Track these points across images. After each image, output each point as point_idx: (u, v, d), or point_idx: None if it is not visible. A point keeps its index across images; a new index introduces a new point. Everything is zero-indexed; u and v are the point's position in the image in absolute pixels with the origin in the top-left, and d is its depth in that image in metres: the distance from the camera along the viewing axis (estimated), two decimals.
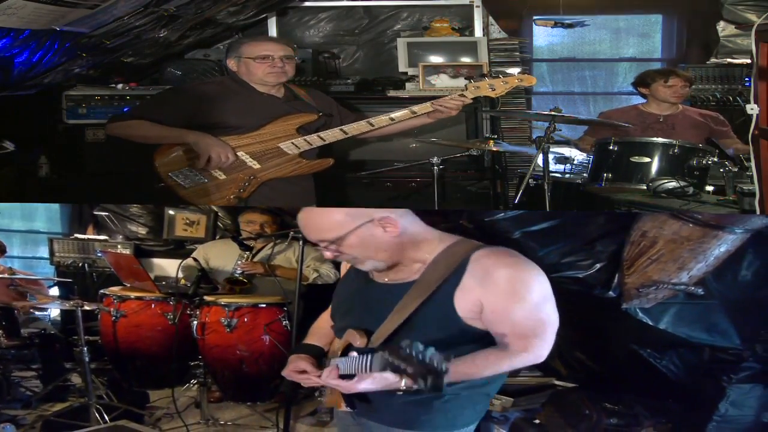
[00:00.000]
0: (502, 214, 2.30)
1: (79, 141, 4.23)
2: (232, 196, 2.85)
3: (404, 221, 1.68)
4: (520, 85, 2.96)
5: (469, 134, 4.33)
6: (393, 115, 2.88)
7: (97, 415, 3.23)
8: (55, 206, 5.18)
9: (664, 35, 4.84)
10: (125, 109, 4.02)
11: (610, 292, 2.46)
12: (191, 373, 3.54)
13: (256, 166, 2.84)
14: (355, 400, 1.71)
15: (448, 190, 4.20)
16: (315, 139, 2.86)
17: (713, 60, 4.44)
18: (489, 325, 1.62)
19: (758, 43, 2.47)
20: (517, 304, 1.59)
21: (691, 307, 2.55)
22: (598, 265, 2.41)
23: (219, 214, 4.70)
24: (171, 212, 4.64)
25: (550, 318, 1.64)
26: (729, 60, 4.37)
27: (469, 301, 1.61)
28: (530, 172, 3.21)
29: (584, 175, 3.46)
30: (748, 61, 4.04)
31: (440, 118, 2.94)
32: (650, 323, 2.54)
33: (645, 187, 3.03)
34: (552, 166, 3.45)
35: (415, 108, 2.88)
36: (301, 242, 3.19)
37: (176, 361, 3.48)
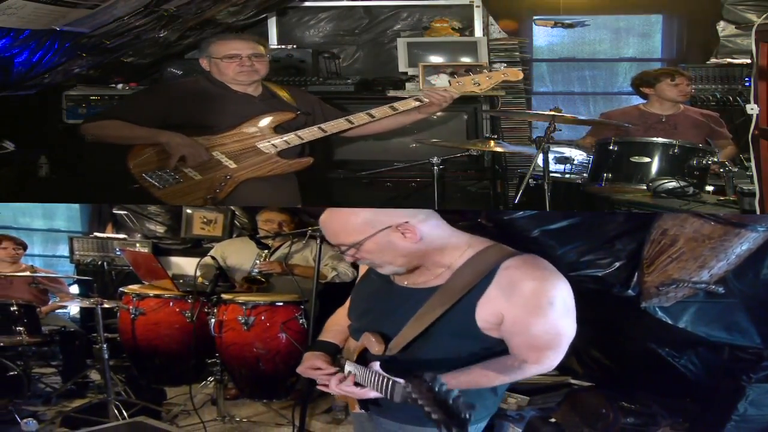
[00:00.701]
0: (521, 212, 2.29)
1: (79, 141, 4.22)
2: (208, 197, 2.83)
3: (425, 227, 1.64)
4: (506, 79, 2.93)
5: (469, 134, 4.33)
6: (372, 112, 2.86)
7: (115, 411, 3.27)
8: (75, 205, 5.23)
9: (664, 35, 4.83)
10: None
11: (629, 291, 2.44)
12: (208, 370, 3.58)
13: (233, 165, 2.81)
14: (368, 402, 1.72)
15: (448, 190, 4.19)
16: (293, 138, 2.83)
17: (713, 60, 4.43)
18: (506, 335, 1.61)
19: (758, 43, 2.47)
20: (539, 318, 1.57)
21: (711, 306, 2.53)
22: (617, 264, 2.40)
23: (236, 212, 4.72)
24: (189, 211, 4.67)
25: (567, 331, 1.62)
26: (729, 60, 4.36)
27: (490, 312, 1.59)
28: (530, 172, 3.20)
29: (584, 175, 3.46)
30: (748, 61, 4.04)
31: (429, 113, 2.92)
32: (669, 322, 2.53)
33: (645, 187, 3.02)
34: (552, 166, 3.44)
35: (396, 104, 2.87)
36: (318, 241, 3.18)
37: (194, 358, 3.50)
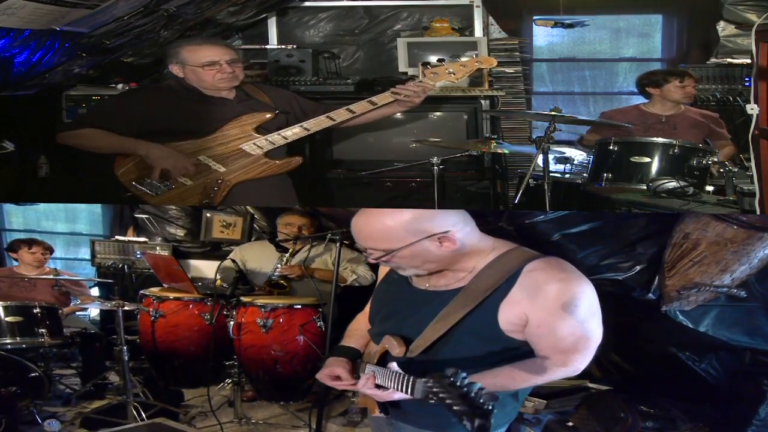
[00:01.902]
0: (542, 216, 2.26)
1: None
2: (204, 201, 2.78)
3: (462, 235, 1.60)
4: (480, 67, 2.89)
5: (469, 134, 4.33)
6: (352, 107, 2.83)
7: (134, 412, 3.29)
8: (98, 209, 5.30)
9: (664, 35, 4.83)
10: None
11: (650, 295, 2.42)
12: (226, 372, 3.59)
13: (222, 169, 2.77)
14: (389, 406, 1.70)
15: (448, 190, 4.19)
16: (277, 138, 2.80)
17: (713, 60, 4.43)
18: (531, 338, 1.59)
19: (758, 43, 2.47)
20: (564, 321, 1.55)
21: (732, 310, 2.51)
22: (638, 267, 2.38)
23: (255, 216, 4.73)
24: (208, 215, 4.70)
25: (594, 333, 1.60)
26: (729, 60, 4.36)
27: (513, 314, 1.57)
28: (530, 172, 3.20)
29: (584, 175, 3.46)
30: (748, 61, 4.04)
31: (408, 107, 2.89)
32: (690, 326, 2.51)
33: (645, 187, 3.02)
34: (552, 166, 3.45)
35: (375, 98, 2.85)
36: (338, 244, 3.14)
37: (212, 360, 3.51)
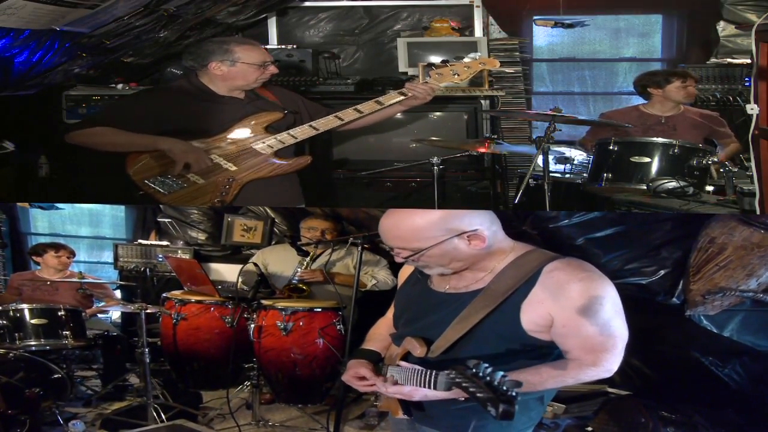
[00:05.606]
0: (566, 220, 2.24)
1: None
2: (216, 200, 2.80)
3: (490, 234, 1.63)
4: (483, 68, 2.94)
5: (469, 134, 4.34)
6: (360, 107, 2.86)
7: (154, 414, 3.30)
8: (121, 213, 5.32)
9: (664, 35, 4.83)
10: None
11: (674, 299, 2.41)
12: (245, 375, 3.59)
13: (233, 168, 2.79)
14: (411, 408, 1.71)
15: (448, 190, 4.20)
16: (286, 138, 2.82)
17: (713, 60, 4.44)
18: (558, 338, 1.60)
19: (758, 43, 2.47)
20: (590, 320, 1.56)
21: (757, 315, 2.49)
22: (662, 272, 2.37)
23: (276, 220, 4.74)
24: (229, 219, 4.71)
25: (620, 331, 1.60)
26: (729, 60, 4.37)
27: (536, 313, 1.58)
28: (530, 172, 3.20)
29: (584, 175, 3.46)
30: (748, 61, 4.04)
31: (412, 106, 2.92)
32: (714, 331, 2.49)
33: (645, 187, 3.02)
34: (552, 166, 3.45)
35: (382, 99, 2.87)
36: (359, 248, 3.13)
37: (232, 363, 3.51)
